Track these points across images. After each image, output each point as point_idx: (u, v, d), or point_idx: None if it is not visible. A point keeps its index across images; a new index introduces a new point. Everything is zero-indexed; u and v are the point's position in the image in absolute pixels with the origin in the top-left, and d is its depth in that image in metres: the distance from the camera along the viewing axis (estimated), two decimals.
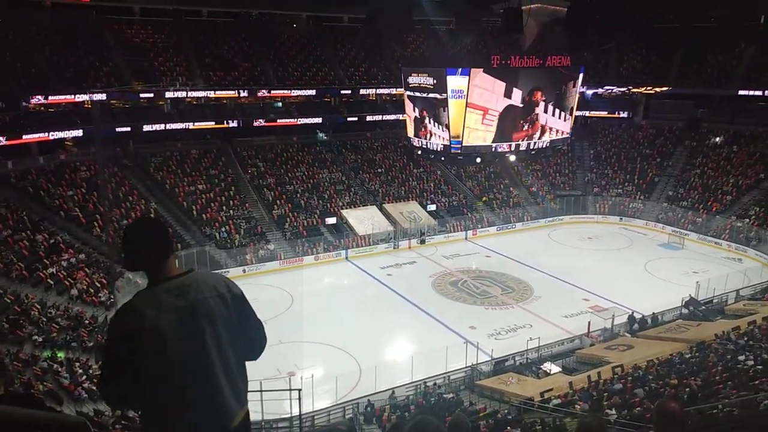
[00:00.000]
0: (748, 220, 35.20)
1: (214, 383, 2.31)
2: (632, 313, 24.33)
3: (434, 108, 27.02)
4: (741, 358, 16.97)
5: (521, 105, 26.05)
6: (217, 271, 29.59)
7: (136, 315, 2.22)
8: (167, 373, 2.23)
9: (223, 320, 2.34)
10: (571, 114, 28.87)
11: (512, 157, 30.45)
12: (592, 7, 34.03)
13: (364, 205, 37.94)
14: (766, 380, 14.06)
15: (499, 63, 25.92)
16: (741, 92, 41.83)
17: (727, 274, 27.73)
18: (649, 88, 45.35)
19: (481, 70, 24.91)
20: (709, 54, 44.63)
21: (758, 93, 41.07)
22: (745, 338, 19.21)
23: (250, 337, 2.50)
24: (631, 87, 45.93)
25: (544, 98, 26.74)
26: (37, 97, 31.67)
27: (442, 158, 30.97)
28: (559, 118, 27.94)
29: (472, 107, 25.13)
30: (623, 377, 18.01)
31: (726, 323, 22.09)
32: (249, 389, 2.63)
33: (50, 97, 32.32)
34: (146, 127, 35.52)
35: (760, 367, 15.70)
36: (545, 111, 27.18)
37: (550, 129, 27.79)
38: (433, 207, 38.84)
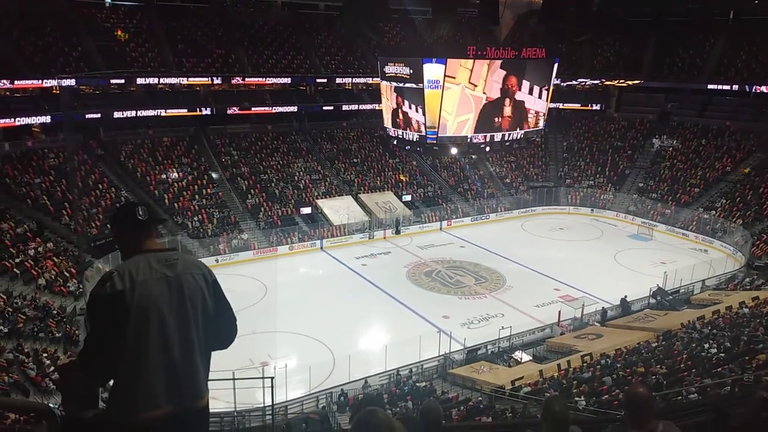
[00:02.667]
0: (714, 212, 36.10)
1: (190, 359, 2.35)
2: (626, 296, 25.14)
3: (411, 98, 27.04)
4: (705, 346, 17.49)
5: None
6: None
7: (126, 275, 2.27)
8: (148, 340, 2.26)
9: (203, 300, 2.40)
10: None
11: (487, 148, 30.62)
12: None
13: (339, 195, 37.85)
14: (728, 367, 14.51)
15: (475, 54, 26.03)
16: (710, 86, 42.71)
17: (693, 264, 28.47)
18: (621, 81, 46.00)
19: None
20: (680, 48, 45.47)
21: (726, 87, 42.00)
22: (710, 327, 19.80)
23: (222, 325, 2.54)
24: (604, 80, 46.50)
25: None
26: (2, 81, 30.70)
27: (419, 148, 31.04)
28: (539, 97, 28.20)
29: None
30: (592, 365, 18.40)
31: (692, 313, 22.72)
32: (222, 379, 2.64)
33: (16, 82, 31.41)
34: (117, 114, 34.76)
35: (722, 355, 16.20)
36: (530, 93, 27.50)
37: (529, 111, 28.08)
38: (408, 197, 38.95)
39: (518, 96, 27.30)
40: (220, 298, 2.50)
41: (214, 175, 36.31)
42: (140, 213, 2.47)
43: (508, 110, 27.29)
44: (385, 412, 2.34)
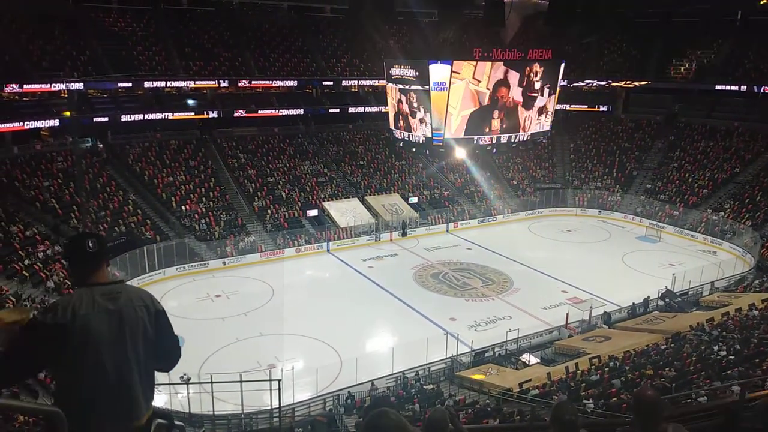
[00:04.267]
0: (723, 213, 35.86)
1: (129, 382, 2.55)
2: (647, 297, 25.20)
3: (417, 100, 27.04)
4: (715, 348, 17.36)
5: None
6: (193, 263, 29.44)
7: (69, 309, 2.46)
8: (88, 366, 2.46)
9: (143, 329, 2.60)
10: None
11: (494, 150, 30.53)
12: (573, 0, 34.29)
13: (345, 198, 37.88)
14: (738, 370, 14.39)
15: (481, 55, 26.02)
16: (718, 87, 42.45)
17: (702, 266, 28.28)
18: (628, 82, 45.84)
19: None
20: (687, 49, 45.24)
21: (734, 88, 41.74)
22: (719, 329, 19.64)
23: (164, 350, 2.75)
24: (611, 81, 46.35)
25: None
26: (11, 85, 30.89)
27: (426, 150, 31.02)
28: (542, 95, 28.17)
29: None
30: (600, 368, 18.29)
31: (701, 315, 22.56)
32: (229, 381, 2.70)
33: (25, 86, 31.60)
34: (124, 117, 34.96)
35: (732, 357, 16.07)
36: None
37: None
38: (414, 199, 38.93)
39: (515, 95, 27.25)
40: (162, 328, 2.68)
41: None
42: (90, 245, 2.63)
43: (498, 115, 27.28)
44: (397, 413, 2.30)
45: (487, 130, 27.25)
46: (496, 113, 27.04)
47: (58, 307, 2.48)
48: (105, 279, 2.66)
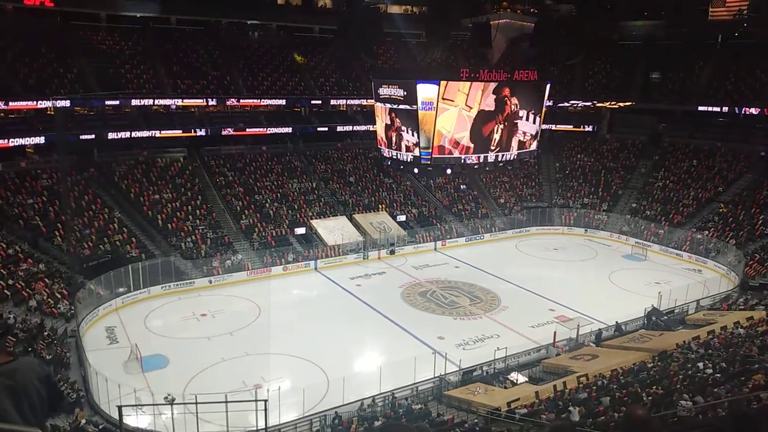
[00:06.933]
0: (707, 232, 36.27)
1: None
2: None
3: (404, 119, 27.23)
4: (700, 366, 17.43)
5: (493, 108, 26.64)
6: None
7: None
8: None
9: (37, 393, 2.94)
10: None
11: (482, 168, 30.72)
12: (559, 22, 34.93)
13: (333, 216, 37.84)
14: (725, 387, 14.46)
15: (468, 76, 26.31)
16: (700, 108, 43.26)
17: (687, 284, 28.49)
18: (613, 102, 46.55)
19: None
20: (670, 71, 46.13)
21: (716, 109, 42.56)
22: (705, 347, 19.75)
23: (54, 401, 3.10)
24: (595, 102, 47.05)
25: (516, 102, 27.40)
26: None
27: (415, 169, 31.17)
28: (533, 122, 28.51)
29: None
30: (588, 386, 18.27)
31: (687, 333, 22.67)
32: (214, 402, 2.68)
33: (11, 103, 31.46)
34: (111, 135, 34.79)
35: (718, 375, 16.15)
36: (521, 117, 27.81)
37: (523, 133, 28.32)
38: (402, 218, 38.98)
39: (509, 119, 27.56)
40: (50, 386, 3.03)
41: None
42: None
43: (499, 131, 27.53)
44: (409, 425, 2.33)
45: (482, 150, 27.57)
46: (495, 132, 27.35)
47: None
48: (3, 359, 2.97)
